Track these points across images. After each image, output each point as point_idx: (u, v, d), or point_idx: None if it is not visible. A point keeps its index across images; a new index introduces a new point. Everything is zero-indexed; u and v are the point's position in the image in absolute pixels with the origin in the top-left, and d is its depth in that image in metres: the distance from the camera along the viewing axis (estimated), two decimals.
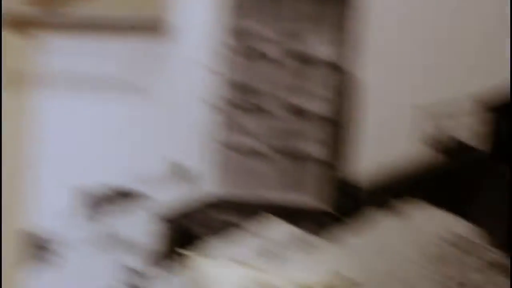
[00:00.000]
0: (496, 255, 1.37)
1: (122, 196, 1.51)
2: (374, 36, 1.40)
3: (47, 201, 1.53)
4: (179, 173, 1.48)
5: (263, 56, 1.45)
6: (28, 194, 1.54)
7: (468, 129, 1.37)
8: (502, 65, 1.35)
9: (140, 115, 1.50)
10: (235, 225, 1.47)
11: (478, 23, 1.35)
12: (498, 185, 1.36)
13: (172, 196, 1.48)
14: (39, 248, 1.55)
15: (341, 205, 1.43)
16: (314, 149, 1.44)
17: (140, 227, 1.50)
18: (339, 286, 1.38)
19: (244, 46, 1.45)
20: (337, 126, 1.44)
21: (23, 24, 1.48)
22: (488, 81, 1.35)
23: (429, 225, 1.40)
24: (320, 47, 1.43)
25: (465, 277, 1.39)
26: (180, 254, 1.48)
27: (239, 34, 1.45)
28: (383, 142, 1.41)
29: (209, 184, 1.48)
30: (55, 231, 1.53)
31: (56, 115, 1.53)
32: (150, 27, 1.44)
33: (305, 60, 1.44)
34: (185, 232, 1.48)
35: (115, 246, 1.51)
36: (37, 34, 1.51)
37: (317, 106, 1.44)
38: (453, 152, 1.38)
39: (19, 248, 1.55)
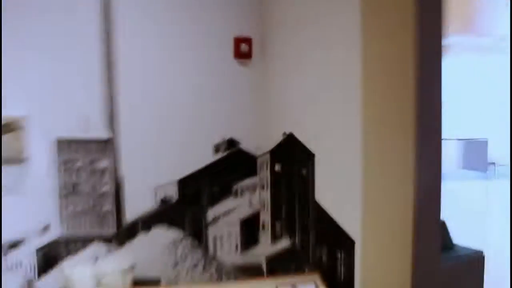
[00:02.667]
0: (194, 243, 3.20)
1: (15, 244, 3.08)
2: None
3: None
4: (44, 228, 3.08)
5: (78, 169, 3.08)
6: None
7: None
8: None
9: (15, 202, 3.05)
10: (78, 249, 3.13)
11: None
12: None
13: (40, 241, 3.09)
14: None
15: (122, 231, 3.16)
16: (109, 208, 3.13)
17: (28, 258, 3.08)
18: (130, 268, 3.12)
19: (69, 166, 3.07)
20: (117, 196, 3.13)
21: None
22: None
23: (164, 235, 3.19)
24: (104, 163, 3.09)
25: (184, 255, 3.21)
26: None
27: (65, 160, 3.06)
28: (141, 203, 3.14)
29: (58, 231, 3.11)
30: None
31: None
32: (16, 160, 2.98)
33: (98, 169, 3.10)
34: (54, 257, 3.11)
35: (16, 270, 3.08)
36: None
37: (107, 188, 3.12)
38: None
39: None
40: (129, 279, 3.03)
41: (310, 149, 2.78)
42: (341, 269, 2.52)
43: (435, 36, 2.13)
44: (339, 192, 2.52)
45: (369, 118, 2.25)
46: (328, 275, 2.58)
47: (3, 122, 2.83)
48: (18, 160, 2.91)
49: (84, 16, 3.00)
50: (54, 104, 2.96)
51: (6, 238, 2.98)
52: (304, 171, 2.85)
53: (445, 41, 2.23)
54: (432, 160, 2.11)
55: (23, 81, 2.92)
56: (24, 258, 3.03)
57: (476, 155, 3.04)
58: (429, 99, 2.11)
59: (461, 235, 2.55)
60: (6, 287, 3.00)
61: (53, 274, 3.07)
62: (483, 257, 2.43)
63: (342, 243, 2.48)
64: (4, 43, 2.86)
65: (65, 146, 3.02)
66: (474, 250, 2.48)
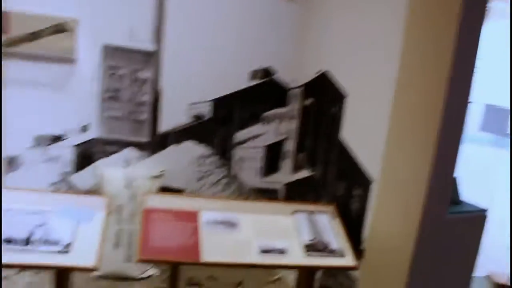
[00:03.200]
0: (220, 161, 3.42)
1: (56, 138, 3.31)
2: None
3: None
4: (83, 128, 3.30)
5: (121, 75, 3.25)
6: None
7: None
8: None
9: (63, 97, 3.25)
10: (113, 151, 3.36)
11: None
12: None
13: (79, 139, 3.31)
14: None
15: (155, 140, 3.37)
16: (146, 117, 3.33)
17: (66, 153, 3.33)
18: (159, 175, 3.36)
19: (112, 72, 3.23)
20: (155, 107, 3.32)
21: None
22: None
23: (193, 149, 3.40)
24: (146, 74, 3.26)
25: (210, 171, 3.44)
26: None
27: (109, 66, 3.22)
28: (176, 116, 3.32)
29: (97, 132, 3.33)
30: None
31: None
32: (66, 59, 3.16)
33: (140, 79, 3.27)
34: (89, 156, 3.35)
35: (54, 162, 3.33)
36: None
37: (146, 98, 3.30)
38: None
39: None
40: (157, 185, 3.27)
41: (343, 90, 2.90)
42: (356, 205, 2.71)
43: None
44: (364, 134, 2.67)
45: (405, 68, 2.35)
46: (343, 209, 2.78)
47: (62, 20, 2.97)
48: (69, 60, 3.08)
49: None
50: (104, 10, 3.08)
51: (49, 132, 3.21)
52: (333, 109, 2.98)
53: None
54: (456, 122, 2.22)
55: None
56: (62, 153, 3.26)
57: (496, 121, 3.11)
58: (463, 64, 2.18)
59: (469, 193, 2.69)
60: (45, 177, 3.26)
61: (87, 171, 3.31)
62: (486, 216, 2.58)
63: (360, 181, 2.66)
64: None
65: (111, 52, 3.17)
66: (479, 207, 2.63)
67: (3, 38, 2.93)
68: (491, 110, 3.50)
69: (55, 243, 2.18)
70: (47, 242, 2.17)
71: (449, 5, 2.11)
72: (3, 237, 2.13)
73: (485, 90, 3.35)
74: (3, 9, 2.88)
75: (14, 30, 2.98)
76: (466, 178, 2.69)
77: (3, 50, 2.95)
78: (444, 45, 2.13)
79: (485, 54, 2.59)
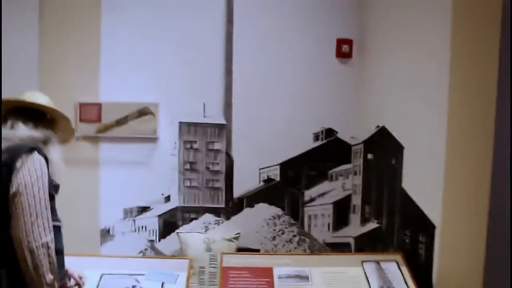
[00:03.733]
0: (291, 220, 3.64)
1: (143, 210, 3.69)
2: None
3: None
4: (166, 198, 3.67)
5: (196, 149, 3.63)
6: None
7: None
8: None
9: (147, 173, 3.65)
10: (192, 218, 3.68)
11: None
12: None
13: (164, 209, 3.68)
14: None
15: (230, 205, 3.66)
16: (221, 184, 3.65)
17: (151, 223, 3.69)
18: (235, 237, 3.61)
19: (189, 146, 3.62)
20: (228, 175, 3.64)
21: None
22: None
23: (266, 211, 3.65)
24: (218, 145, 3.61)
25: (282, 230, 3.66)
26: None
27: (186, 141, 3.61)
28: (248, 181, 3.62)
29: (178, 201, 3.68)
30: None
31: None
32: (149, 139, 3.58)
33: (213, 150, 3.62)
34: (171, 224, 3.69)
35: (142, 231, 3.70)
36: None
37: (219, 167, 3.64)
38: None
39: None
40: (234, 246, 3.52)
41: (400, 142, 3.08)
42: (422, 252, 2.82)
43: None
44: (424, 182, 2.81)
45: (454, 117, 2.52)
46: (410, 256, 2.89)
47: (144, 105, 3.42)
48: (152, 139, 3.51)
49: (211, 19, 3.55)
50: (180, 93, 3.52)
51: (136, 204, 3.60)
52: (393, 161, 3.15)
53: None
54: (510, 161, 2.33)
55: (157, 72, 3.51)
56: (148, 223, 3.63)
57: None
58: (506, 109, 2.32)
59: None
60: (134, 245, 3.62)
61: (171, 237, 3.64)
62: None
63: (424, 228, 2.78)
64: (143, 39, 3.46)
65: (187, 129, 3.57)
66: None
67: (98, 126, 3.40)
68: None
69: None
70: None
71: (490, 49, 2.29)
72: None
73: None
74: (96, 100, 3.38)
75: (104, 118, 3.46)
76: None
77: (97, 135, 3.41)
78: (486, 99, 2.29)
79: None
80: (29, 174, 1.67)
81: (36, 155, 1.74)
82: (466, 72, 2.47)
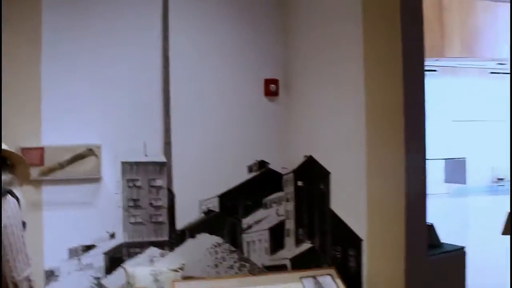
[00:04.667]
0: (231, 247, 3.91)
1: (88, 248, 3.80)
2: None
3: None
4: (111, 235, 3.81)
5: (139, 186, 3.83)
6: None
7: None
8: None
9: (91, 212, 3.79)
10: (138, 252, 3.85)
11: None
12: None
13: (109, 246, 3.82)
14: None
15: (173, 238, 3.88)
16: (163, 218, 3.86)
17: (97, 260, 3.81)
18: (180, 268, 3.81)
19: (131, 184, 3.81)
20: (171, 209, 3.86)
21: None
22: None
23: (207, 241, 3.90)
24: (160, 182, 3.84)
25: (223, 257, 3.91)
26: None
27: (129, 179, 3.81)
28: (189, 213, 3.86)
29: (123, 237, 3.83)
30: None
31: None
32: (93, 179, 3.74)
33: (155, 186, 3.84)
34: (117, 259, 3.83)
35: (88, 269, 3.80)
36: None
37: (162, 202, 3.85)
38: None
39: None
40: (179, 276, 3.73)
41: (326, 168, 3.48)
42: (353, 263, 3.19)
43: (417, 70, 2.81)
44: (349, 202, 3.21)
45: (371, 144, 2.96)
46: (342, 269, 3.25)
47: (87, 147, 3.60)
48: (95, 179, 3.67)
49: (147, 63, 3.81)
50: (121, 134, 3.73)
51: (81, 243, 3.72)
52: (321, 186, 3.54)
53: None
54: (418, 177, 2.78)
55: (97, 115, 3.70)
56: (94, 260, 3.75)
57: (456, 171, 3.67)
58: (415, 127, 2.79)
59: (448, 236, 3.20)
60: (81, 283, 3.72)
61: (118, 273, 3.78)
62: (464, 252, 3.07)
63: (352, 242, 3.16)
64: (83, 82, 3.67)
65: (129, 168, 3.77)
66: (457, 246, 3.12)
67: (41, 169, 3.53)
68: (450, 163, 4.11)
69: None
70: None
71: (395, 95, 2.75)
72: None
73: (443, 146, 3.99)
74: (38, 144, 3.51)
75: (47, 161, 3.58)
76: (443, 223, 3.20)
77: (40, 178, 3.53)
78: (396, 121, 2.73)
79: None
80: (6, 215, 1.85)
81: (10, 197, 1.92)
82: (378, 105, 2.92)
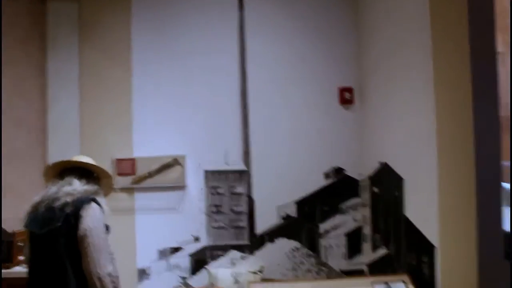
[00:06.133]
0: (309, 252, 4.04)
1: (175, 250, 4.11)
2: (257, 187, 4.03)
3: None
4: (196, 239, 4.10)
5: (220, 193, 4.08)
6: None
7: None
8: None
9: (177, 217, 4.10)
10: (220, 255, 4.10)
11: None
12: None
13: (194, 248, 4.10)
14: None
15: (253, 242, 4.08)
16: (244, 223, 4.08)
17: (183, 261, 4.11)
18: (260, 270, 4.01)
19: (214, 191, 4.08)
20: (250, 214, 4.07)
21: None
22: None
23: (285, 245, 4.06)
24: (240, 189, 4.06)
25: (301, 261, 4.05)
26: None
27: (211, 187, 4.07)
28: (268, 219, 4.05)
29: (206, 241, 4.10)
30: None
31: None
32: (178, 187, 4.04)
33: (236, 193, 4.07)
34: (201, 261, 4.10)
35: (175, 269, 4.11)
36: None
37: (242, 208, 4.08)
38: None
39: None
40: (259, 278, 3.92)
41: (400, 175, 3.51)
42: (426, 270, 3.20)
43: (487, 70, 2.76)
44: (422, 208, 3.22)
45: (442, 149, 2.95)
46: (416, 276, 3.26)
47: (173, 157, 3.91)
48: (181, 187, 3.97)
49: (226, 82, 4.07)
50: (204, 145, 4.00)
51: (169, 245, 4.03)
52: (396, 192, 3.57)
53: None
54: (491, 184, 2.74)
55: (182, 128, 4.00)
56: (181, 261, 4.05)
57: None
58: (485, 133, 2.75)
59: None
60: (168, 283, 4.03)
61: (202, 274, 4.05)
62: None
63: (426, 249, 3.16)
64: (169, 99, 3.99)
65: (211, 176, 4.03)
66: None
67: (132, 178, 3.88)
68: None
69: None
70: None
71: (464, 101, 2.72)
72: None
73: None
74: (130, 156, 3.87)
75: (138, 170, 3.94)
76: None
77: (132, 186, 3.89)
78: (466, 131, 2.72)
79: None
80: (91, 220, 2.15)
81: (94, 205, 2.21)
82: (447, 108, 2.92)
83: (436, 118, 3.02)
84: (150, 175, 3.94)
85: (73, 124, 3.85)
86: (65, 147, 3.53)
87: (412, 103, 3.30)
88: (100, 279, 2.07)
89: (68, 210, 2.15)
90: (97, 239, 2.14)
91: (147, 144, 3.95)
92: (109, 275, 2.10)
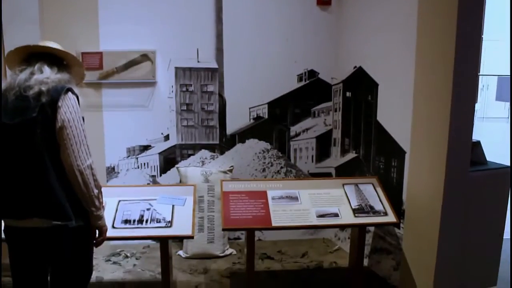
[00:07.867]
0: (279, 153, 4.07)
1: (144, 148, 4.07)
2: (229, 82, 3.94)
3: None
4: (165, 137, 4.05)
5: (191, 91, 3.98)
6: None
7: None
8: None
9: (147, 114, 4.01)
10: (190, 154, 4.09)
11: None
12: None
13: (163, 147, 4.07)
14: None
15: (223, 142, 4.07)
16: (215, 123, 4.04)
17: (152, 160, 4.09)
18: (230, 170, 4.04)
19: (184, 89, 3.97)
20: (222, 114, 4.02)
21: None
22: None
23: (256, 146, 4.07)
24: (212, 87, 3.97)
25: (271, 162, 4.09)
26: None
27: (182, 84, 3.96)
28: (239, 119, 4.01)
29: (176, 139, 4.07)
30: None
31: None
32: (148, 83, 3.92)
33: (207, 91, 3.99)
34: (171, 160, 4.09)
35: (144, 167, 4.10)
36: None
37: (213, 108, 4.01)
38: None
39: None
40: (228, 177, 3.95)
41: (375, 79, 3.47)
42: (394, 174, 3.27)
43: None
44: (395, 114, 3.23)
45: (420, 57, 2.91)
46: (384, 179, 3.34)
47: (142, 52, 3.74)
48: (150, 83, 3.84)
49: None
50: (175, 40, 3.83)
51: (139, 143, 3.98)
52: (369, 97, 3.55)
53: None
54: (467, 94, 2.74)
55: (153, 22, 3.79)
56: (150, 159, 4.02)
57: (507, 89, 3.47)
58: (467, 39, 2.70)
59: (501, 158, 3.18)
60: (137, 181, 4.02)
61: (171, 172, 4.05)
62: (509, 171, 3.04)
63: (396, 154, 3.22)
64: None
65: (182, 73, 3.90)
66: (503, 165, 3.09)
67: (99, 73, 3.72)
68: (503, 80, 3.92)
69: (160, 221, 2.89)
70: (154, 220, 2.89)
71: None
72: (122, 218, 2.87)
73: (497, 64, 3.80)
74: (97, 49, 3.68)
75: (105, 65, 3.76)
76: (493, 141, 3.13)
77: (100, 81, 3.74)
78: (449, 32, 2.66)
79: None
80: (69, 110, 2.03)
81: (71, 95, 2.08)
82: (431, 19, 2.83)
83: (417, 29, 2.94)
84: (118, 70, 3.78)
85: (32, 13, 3.58)
86: (23, 39, 3.28)
87: (394, 8, 3.19)
88: (80, 171, 1.99)
89: (44, 99, 2.00)
90: (76, 130, 2.03)
91: (116, 38, 3.76)
92: (90, 167, 2.03)
